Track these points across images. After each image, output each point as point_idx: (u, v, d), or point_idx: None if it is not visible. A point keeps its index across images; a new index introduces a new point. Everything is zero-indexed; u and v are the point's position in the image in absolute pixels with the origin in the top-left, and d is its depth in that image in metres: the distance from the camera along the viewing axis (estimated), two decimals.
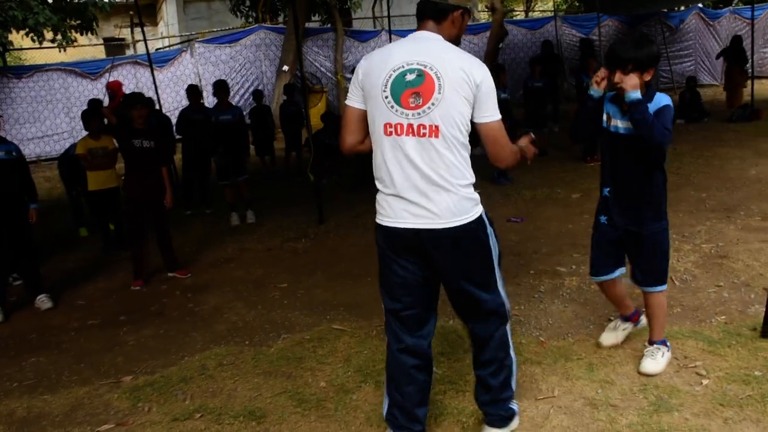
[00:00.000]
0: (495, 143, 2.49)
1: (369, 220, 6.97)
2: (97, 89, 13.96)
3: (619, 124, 3.28)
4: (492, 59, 14.33)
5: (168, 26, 22.88)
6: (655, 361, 3.39)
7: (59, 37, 14.13)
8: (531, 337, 3.87)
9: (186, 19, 21.67)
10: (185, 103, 12.47)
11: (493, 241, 2.60)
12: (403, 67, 2.43)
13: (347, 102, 2.61)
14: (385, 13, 20.43)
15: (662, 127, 3.09)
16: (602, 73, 3.30)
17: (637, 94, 3.10)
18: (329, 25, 15.46)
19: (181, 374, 3.78)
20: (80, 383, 3.83)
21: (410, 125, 2.42)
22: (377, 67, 2.48)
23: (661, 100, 3.22)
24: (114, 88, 8.66)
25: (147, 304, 5.17)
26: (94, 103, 7.44)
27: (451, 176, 2.42)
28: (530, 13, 20.00)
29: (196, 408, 3.35)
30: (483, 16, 17.66)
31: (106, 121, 6.81)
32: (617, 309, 3.77)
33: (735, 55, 12.08)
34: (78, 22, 14.95)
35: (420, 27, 2.54)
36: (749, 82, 11.75)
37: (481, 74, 2.42)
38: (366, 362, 3.69)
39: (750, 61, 12.17)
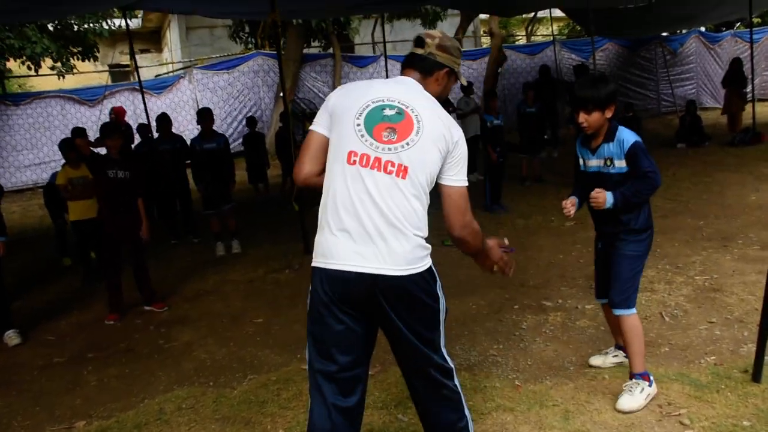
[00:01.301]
0: (457, 209, 2.36)
1: None
2: (95, 116, 13.98)
3: (593, 164, 3.34)
4: (491, 84, 14.26)
5: (172, 52, 23.03)
6: (632, 397, 3.23)
7: (59, 64, 14.18)
8: (506, 380, 3.65)
9: (189, 45, 21.75)
10: (182, 129, 12.48)
11: (441, 294, 2.37)
12: (383, 101, 2.32)
13: (312, 127, 2.42)
14: (387, 38, 20.58)
15: (646, 180, 3.16)
16: (567, 205, 3.36)
17: (610, 203, 3.18)
18: (330, 50, 15.43)
19: (136, 419, 3.58)
20: (29, 429, 3.65)
21: (378, 159, 2.24)
22: (355, 95, 2.37)
23: (626, 137, 3.22)
24: (117, 113, 8.61)
25: (117, 340, 4.99)
26: (75, 132, 7.33)
27: (408, 221, 2.24)
28: (532, 38, 19.93)
29: None
30: (484, 42, 17.66)
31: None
32: (613, 334, 3.77)
33: (733, 77, 11.90)
34: (79, 49, 15.02)
35: (404, 73, 2.48)
36: (749, 105, 11.55)
37: (459, 134, 2.38)
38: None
39: (750, 84, 11.98)
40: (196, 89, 14.61)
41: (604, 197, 3.16)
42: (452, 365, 2.43)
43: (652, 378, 3.35)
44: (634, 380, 3.30)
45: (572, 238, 6.62)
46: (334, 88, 15.30)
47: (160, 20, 23.55)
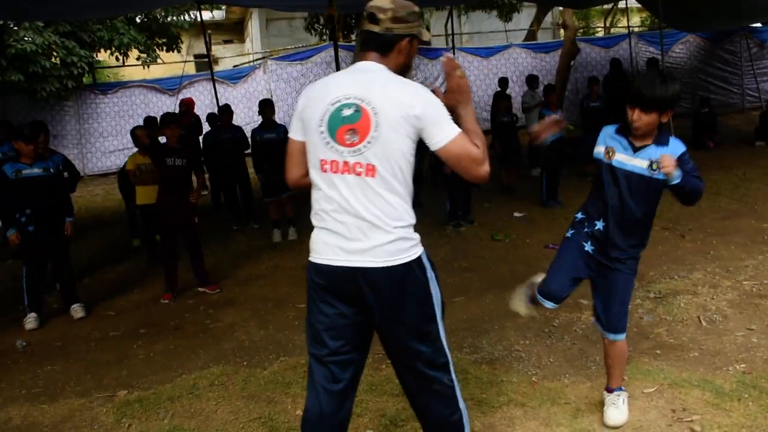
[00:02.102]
0: (458, 163, 2.30)
1: None
2: (175, 105, 14.61)
3: (623, 159, 3.06)
4: (564, 77, 13.98)
5: (252, 42, 23.73)
6: (618, 409, 3.16)
7: (144, 55, 14.93)
8: (525, 375, 3.68)
9: (268, 35, 22.38)
10: (256, 119, 12.84)
11: (434, 286, 2.37)
12: (339, 101, 2.31)
13: (289, 134, 2.50)
14: (463, 30, 20.46)
15: (697, 180, 3.01)
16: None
17: (678, 177, 2.94)
18: None
19: (172, 392, 3.84)
20: (80, 395, 3.96)
21: (345, 162, 2.29)
22: (316, 100, 2.38)
23: (677, 146, 3.01)
24: (187, 105, 9.02)
25: (168, 318, 5.31)
26: (147, 121, 7.76)
27: (386, 216, 2.26)
28: (612, 30, 19.32)
29: (171, 428, 3.39)
30: (561, 34, 17.29)
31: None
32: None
33: None
34: (164, 40, 15.76)
35: (363, 57, 2.42)
36: None
37: (422, 103, 2.25)
38: None
39: None
40: (271, 79, 15.02)
41: (673, 164, 2.87)
42: (448, 359, 2.43)
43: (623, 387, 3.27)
44: (615, 393, 3.19)
45: None
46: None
47: (243, 12, 24.28)
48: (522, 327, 4.44)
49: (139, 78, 16.11)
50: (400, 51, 2.40)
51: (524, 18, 19.11)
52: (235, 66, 17.57)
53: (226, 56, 25.83)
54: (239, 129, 8.31)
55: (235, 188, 8.40)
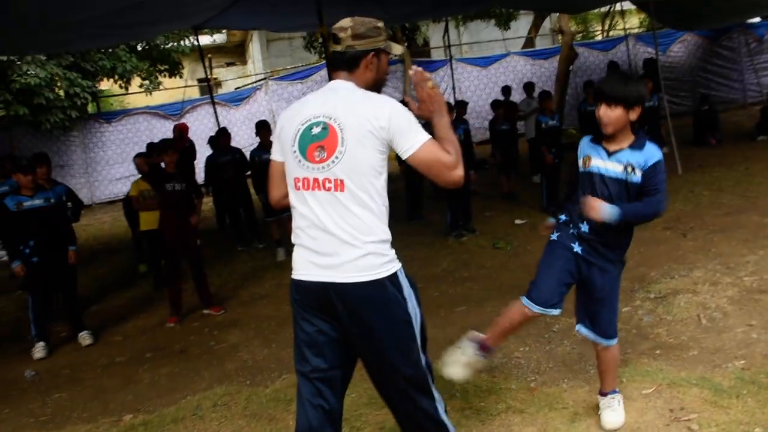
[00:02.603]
0: (429, 170, 2.32)
1: (410, 254, 7.00)
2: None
3: (599, 164, 3.06)
4: (563, 83, 14.02)
5: (254, 64, 23.96)
6: (614, 411, 3.16)
7: (147, 82, 15.12)
8: (523, 382, 3.69)
9: (269, 56, 22.56)
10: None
11: (412, 305, 2.34)
12: (309, 120, 2.37)
13: (271, 156, 2.56)
14: (462, 40, 20.56)
15: (654, 202, 2.94)
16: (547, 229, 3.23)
17: (613, 216, 2.91)
18: (398, 57, 15.62)
19: (176, 414, 3.88)
20: (86, 421, 4.02)
21: (315, 179, 2.33)
22: (290, 120, 2.44)
23: (652, 154, 2.97)
24: (181, 130, 9.11)
25: (174, 342, 5.36)
26: (148, 148, 7.86)
27: (356, 231, 2.29)
28: (611, 33, 19.35)
29: None
30: (559, 39, 17.32)
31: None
32: (494, 331, 3.25)
33: None
34: (165, 66, 15.96)
35: (333, 77, 2.49)
36: None
37: (386, 113, 2.28)
38: (349, 406, 3.62)
39: None
40: (272, 100, 15.16)
41: (603, 209, 2.89)
42: (428, 377, 2.42)
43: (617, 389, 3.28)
44: (610, 396, 3.20)
45: None
46: (405, 92, 15.58)
47: (244, 34, 24.55)
48: (522, 334, 4.43)
49: (144, 105, 16.33)
50: (367, 66, 2.44)
51: (522, 25, 19.20)
52: (236, 88, 17.76)
53: (228, 78, 26.15)
54: (238, 151, 8.41)
55: (238, 209, 8.47)
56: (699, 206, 7.37)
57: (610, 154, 3.03)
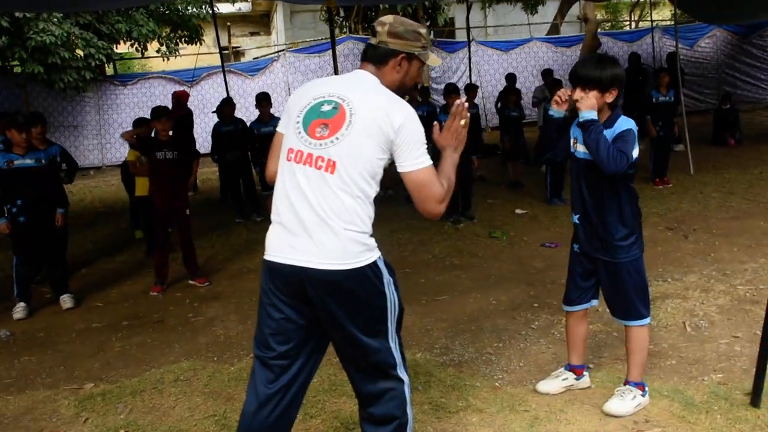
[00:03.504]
0: (417, 192, 2.28)
1: (405, 237, 6.89)
2: (193, 96, 14.70)
3: (580, 148, 3.13)
4: None
5: (277, 35, 23.81)
6: (623, 401, 3.12)
7: (163, 47, 15.04)
8: (489, 380, 3.57)
9: (293, 27, 22.39)
10: (273, 111, 12.84)
11: (390, 291, 2.33)
12: (323, 97, 2.34)
13: (277, 128, 2.51)
14: (489, 23, 20.19)
15: (616, 151, 2.90)
16: (564, 93, 3.13)
17: (590, 114, 2.99)
18: None
19: (137, 386, 3.82)
20: (48, 386, 3.97)
21: (309, 155, 2.27)
22: (304, 94, 2.41)
23: (623, 124, 3.03)
24: (180, 98, 9.01)
25: (153, 311, 5.30)
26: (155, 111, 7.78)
27: (338, 218, 2.22)
28: (640, 23, 18.87)
29: (125, 424, 3.37)
30: (580, 28, 16.91)
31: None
32: (568, 351, 3.42)
33: None
34: (185, 33, 15.86)
35: (361, 66, 2.46)
36: None
37: (402, 118, 2.26)
38: (309, 392, 3.50)
39: None
40: (288, 72, 15.01)
41: (588, 102, 2.94)
42: (397, 361, 2.39)
43: (646, 389, 3.21)
44: (628, 386, 3.18)
45: None
46: (422, 74, 15.30)
47: (269, 4, 24.37)
48: (499, 329, 4.32)
49: (164, 69, 16.24)
50: (395, 68, 2.42)
51: (550, 11, 18.78)
52: (254, 58, 17.62)
53: (251, 47, 26.00)
54: (241, 121, 8.30)
55: (239, 181, 8.39)
56: (706, 208, 7.15)
57: None
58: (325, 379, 3.64)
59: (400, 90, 2.45)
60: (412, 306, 4.88)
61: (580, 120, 2.99)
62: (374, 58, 2.42)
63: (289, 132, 2.37)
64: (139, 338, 4.71)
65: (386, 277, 2.33)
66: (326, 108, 2.31)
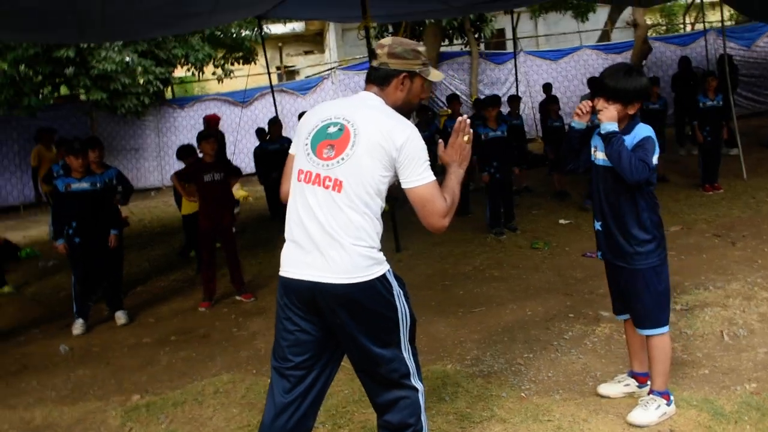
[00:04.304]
0: (422, 207, 2.38)
1: (447, 250, 6.94)
2: (246, 116, 15.17)
3: (600, 155, 3.20)
4: None
5: (330, 53, 24.24)
6: (646, 411, 3.12)
7: (219, 70, 15.59)
8: (516, 390, 3.59)
9: (344, 45, 22.76)
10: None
11: (401, 302, 2.42)
12: (330, 119, 2.47)
13: (290, 150, 2.65)
14: (540, 32, 20.08)
15: (638, 161, 2.96)
16: (586, 105, 3.18)
17: (611, 126, 3.07)
18: (467, 49, 15.42)
19: (179, 398, 4.00)
20: (99, 398, 4.21)
21: (318, 175, 2.40)
22: (313, 116, 2.55)
23: (641, 132, 3.09)
24: (210, 121, 9.29)
25: (200, 326, 5.53)
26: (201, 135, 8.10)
27: (346, 234, 2.33)
28: (696, 26, 18.36)
29: None
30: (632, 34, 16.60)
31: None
32: (629, 359, 3.48)
33: None
34: (240, 54, 16.40)
35: (366, 88, 2.57)
36: None
37: (404, 137, 2.36)
38: (339, 403, 3.65)
39: None
40: (338, 89, 15.29)
41: (609, 113, 3.00)
42: (410, 370, 2.47)
43: (672, 398, 3.18)
44: (651, 395, 3.17)
45: (670, 244, 6.14)
46: (471, 86, 15.38)
47: (322, 23, 24.84)
48: (532, 340, 4.33)
49: (221, 91, 16.78)
50: (398, 87, 2.53)
51: (601, 18, 18.54)
52: (307, 77, 18.01)
53: (305, 66, 26.54)
54: (288, 140, 8.54)
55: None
56: (758, 214, 6.94)
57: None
58: (356, 390, 3.72)
59: (406, 107, 2.57)
60: (448, 318, 4.94)
61: (602, 132, 3.05)
62: (377, 79, 2.54)
63: (299, 153, 2.50)
64: (184, 352, 4.93)
65: (396, 289, 2.42)
66: (332, 130, 2.43)
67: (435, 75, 2.62)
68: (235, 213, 6.39)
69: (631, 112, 3.05)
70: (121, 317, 5.84)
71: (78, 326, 5.68)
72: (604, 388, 3.45)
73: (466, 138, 2.50)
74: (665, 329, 3.14)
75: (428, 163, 2.40)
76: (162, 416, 3.78)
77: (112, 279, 5.99)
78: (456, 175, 2.50)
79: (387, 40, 2.55)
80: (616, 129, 3.00)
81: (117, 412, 3.91)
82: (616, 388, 3.42)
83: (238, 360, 4.62)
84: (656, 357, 3.16)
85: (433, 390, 3.65)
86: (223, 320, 5.64)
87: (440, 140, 2.58)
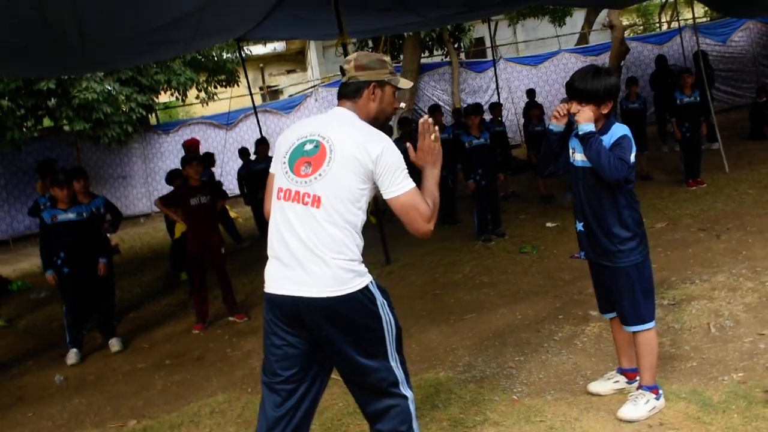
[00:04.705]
0: (405, 214, 2.44)
1: (437, 259, 6.98)
2: (231, 138, 15.24)
3: (578, 156, 3.25)
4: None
5: (312, 70, 24.37)
6: (636, 406, 3.16)
7: (202, 93, 15.64)
8: (507, 393, 3.63)
9: (326, 62, 22.85)
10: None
11: (385, 312, 2.46)
12: (306, 137, 2.52)
13: (270, 169, 2.69)
14: (519, 38, 20.27)
15: (617, 159, 3.03)
16: (563, 108, 3.24)
17: (589, 127, 3.14)
18: (447, 59, 15.55)
19: (175, 421, 4.02)
20: (95, 425, 4.22)
21: (297, 192, 2.45)
22: (290, 135, 2.60)
23: (618, 131, 3.15)
24: (190, 146, 9.29)
25: (194, 348, 5.54)
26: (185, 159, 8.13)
27: (327, 249, 2.38)
28: (672, 24, 18.60)
29: None
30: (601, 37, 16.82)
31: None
32: (618, 356, 3.53)
33: None
34: (222, 77, 16.46)
35: (339, 105, 2.63)
36: None
37: (379, 149, 2.41)
38: (334, 416, 3.68)
39: None
40: (322, 106, 15.36)
41: (585, 114, 3.05)
42: (398, 378, 2.49)
43: (661, 392, 3.23)
44: (640, 390, 3.22)
45: (656, 241, 6.23)
46: (453, 95, 15.50)
47: (303, 42, 24.97)
48: (522, 343, 4.38)
49: (205, 113, 16.83)
50: (369, 97, 2.59)
51: (579, 21, 18.74)
52: (290, 95, 18.09)
53: (289, 85, 26.65)
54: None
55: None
56: (741, 205, 7.02)
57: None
58: (351, 403, 3.74)
59: (381, 116, 2.64)
60: (440, 326, 4.98)
61: (579, 132, 3.11)
62: (348, 94, 2.60)
63: (278, 172, 2.55)
64: (179, 375, 4.94)
65: (379, 300, 2.46)
66: (308, 147, 2.49)
67: (404, 83, 2.70)
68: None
69: (604, 111, 3.11)
70: (115, 344, 5.85)
71: (72, 356, 5.68)
72: (595, 386, 3.50)
73: (432, 137, 2.53)
74: (651, 325, 3.19)
75: (406, 171, 2.45)
76: None
77: (103, 307, 6.01)
78: (432, 176, 2.54)
79: (353, 55, 2.64)
80: (593, 129, 3.07)
81: None
82: (606, 385, 3.47)
83: (233, 380, 4.63)
84: (643, 353, 3.21)
85: (427, 398, 3.69)
86: (216, 341, 5.65)
87: (408, 144, 2.61)
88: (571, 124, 3.24)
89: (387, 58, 2.65)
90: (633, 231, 3.17)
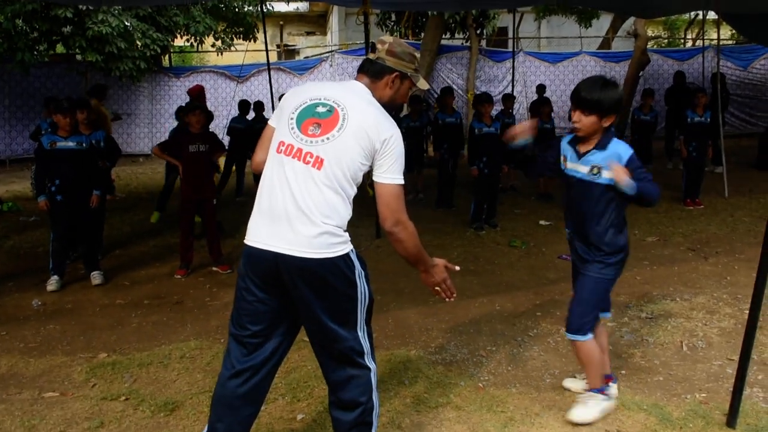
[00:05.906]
0: (386, 206, 2.44)
1: (426, 240, 6.99)
2: (241, 91, 15.15)
3: (571, 166, 3.22)
4: (631, 87, 13.53)
5: (332, 36, 24.19)
6: (585, 408, 3.21)
7: (219, 42, 15.51)
8: (474, 380, 3.68)
9: (347, 29, 22.70)
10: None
11: (361, 282, 2.49)
12: (319, 99, 2.52)
13: (269, 121, 2.69)
14: (543, 34, 20.11)
15: (650, 184, 3.03)
16: (523, 126, 3.24)
17: (633, 190, 2.98)
18: (467, 44, 15.45)
19: (145, 359, 4.06)
20: (66, 353, 4.25)
21: (299, 150, 2.45)
22: (300, 93, 2.59)
23: (620, 150, 3.08)
24: (190, 94, 9.23)
25: (174, 293, 5.57)
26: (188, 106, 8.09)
27: (318, 211, 2.38)
28: (697, 42, 18.48)
29: (128, 392, 3.61)
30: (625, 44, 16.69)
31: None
32: None
33: None
34: (241, 29, 16.31)
35: (357, 78, 2.64)
36: None
37: (390, 133, 2.45)
38: (302, 377, 3.73)
39: None
40: (336, 72, 15.29)
41: (624, 178, 2.94)
42: (364, 348, 2.54)
43: (609, 393, 3.28)
44: (589, 393, 3.26)
45: (644, 254, 6.27)
46: (468, 81, 15.42)
47: (326, 6, 24.74)
48: (497, 333, 4.42)
49: (219, 63, 16.71)
50: (388, 84, 2.63)
51: (605, 25, 18.59)
52: (306, 57, 17.96)
53: (306, 47, 26.46)
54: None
55: None
56: (734, 231, 7.05)
57: (580, 156, 3.16)
58: (318, 367, 3.79)
59: (390, 106, 2.65)
60: (419, 306, 5.02)
61: (627, 194, 3.01)
62: (371, 72, 2.62)
63: (281, 127, 2.53)
64: (156, 317, 4.97)
65: (358, 269, 2.48)
66: (321, 110, 2.49)
67: (422, 83, 2.74)
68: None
69: (606, 124, 3.05)
70: (96, 277, 5.87)
71: (53, 282, 5.70)
72: (569, 382, 3.57)
73: (443, 285, 2.66)
74: (588, 337, 3.16)
75: (404, 167, 2.49)
76: (126, 375, 3.83)
77: (90, 239, 6.02)
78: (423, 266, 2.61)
79: (389, 38, 2.65)
80: (636, 185, 2.98)
81: (83, 368, 3.97)
82: (579, 384, 3.50)
83: (208, 328, 4.67)
84: (582, 361, 3.25)
85: (394, 373, 3.73)
86: (197, 289, 5.68)
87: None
88: (540, 130, 3.19)
89: (417, 54, 2.68)
90: (614, 247, 3.14)
